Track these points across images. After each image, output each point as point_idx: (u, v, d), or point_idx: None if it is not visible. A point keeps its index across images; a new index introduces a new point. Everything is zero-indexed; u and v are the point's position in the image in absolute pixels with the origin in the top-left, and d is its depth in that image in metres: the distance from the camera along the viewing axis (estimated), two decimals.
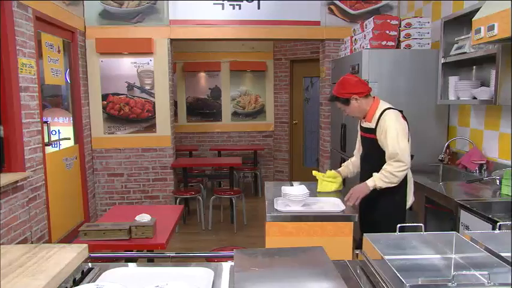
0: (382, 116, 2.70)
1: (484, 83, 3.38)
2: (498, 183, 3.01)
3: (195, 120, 7.81)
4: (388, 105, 2.77)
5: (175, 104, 7.53)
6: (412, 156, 2.82)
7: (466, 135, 3.85)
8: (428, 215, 3.19)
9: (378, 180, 2.67)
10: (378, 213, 2.78)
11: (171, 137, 5.54)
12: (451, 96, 3.63)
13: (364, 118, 2.85)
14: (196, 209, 5.72)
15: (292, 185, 2.91)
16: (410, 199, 2.84)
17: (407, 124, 2.76)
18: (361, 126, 2.93)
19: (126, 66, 5.33)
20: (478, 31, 2.73)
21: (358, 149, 3.09)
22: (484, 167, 3.46)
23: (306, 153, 7.68)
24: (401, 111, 2.77)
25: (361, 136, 2.95)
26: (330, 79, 5.50)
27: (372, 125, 2.77)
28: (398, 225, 1.62)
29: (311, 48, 7.03)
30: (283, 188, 2.67)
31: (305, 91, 7.60)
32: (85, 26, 5.17)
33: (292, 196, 2.56)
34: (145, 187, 5.55)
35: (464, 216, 2.59)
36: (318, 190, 2.93)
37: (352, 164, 3.11)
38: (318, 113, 6.32)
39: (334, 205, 2.64)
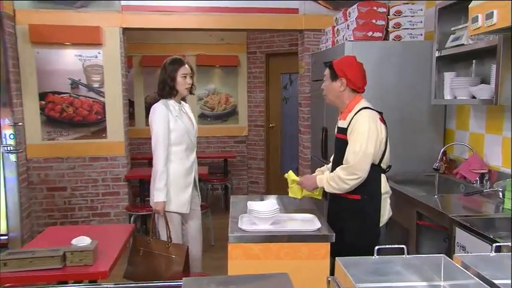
0: (356, 115, 2.75)
1: (485, 80, 3.39)
2: (501, 196, 3.01)
3: None
4: (367, 105, 2.83)
5: (131, 105, 7.42)
6: (389, 167, 2.87)
7: (464, 140, 3.87)
8: (420, 234, 3.18)
9: (326, 184, 2.77)
10: (346, 229, 2.77)
11: (124, 144, 5.44)
12: (447, 95, 3.64)
13: (340, 114, 2.92)
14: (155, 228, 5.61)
15: (262, 200, 2.91)
16: (386, 214, 2.84)
17: (386, 128, 2.80)
18: (337, 127, 2.99)
19: (69, 59, 5.20)
20: (475, 19, 2.72)
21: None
22: (486, 177, 3.47)
23: (285, 161, 7.67)
24: (380, 113, 2.81)
25: (335, 138, 3.00)
26: (309, 75, 5.50)
27: (345, 124, 2.82)
28: (376, 248, 1.58)
29: (289, 40, 7.03)
30: (249, 203, 2.67)
31: (283, 89, 7.60)
32: (14, 9, 4.99)
33: (259, 213, 2.53)
34: (94, 203, 5.42)
35: (461, 236, 2.57)
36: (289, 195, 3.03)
37: (328, 170, 3.11)
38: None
39: (308, 223, 2.63)
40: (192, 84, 3.52)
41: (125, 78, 5.48)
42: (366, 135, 2.66)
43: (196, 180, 3.65)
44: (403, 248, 1.64)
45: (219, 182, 7.11)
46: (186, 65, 3.48)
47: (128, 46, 5.89)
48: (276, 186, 7.39)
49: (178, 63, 3.46)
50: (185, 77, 3.45)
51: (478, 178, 3.49)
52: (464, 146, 3.83)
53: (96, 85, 5.30)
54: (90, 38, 5.14)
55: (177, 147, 3.42)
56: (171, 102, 3.45)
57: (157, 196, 3.36)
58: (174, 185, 3.42)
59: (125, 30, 5.38)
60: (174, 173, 3.42)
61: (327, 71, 2.92)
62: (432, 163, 3.80)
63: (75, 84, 5.26)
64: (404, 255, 1.64)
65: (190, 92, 3.55)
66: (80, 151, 5.34)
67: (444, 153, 3.86)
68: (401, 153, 3.90)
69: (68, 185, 5.35)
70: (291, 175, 3.00)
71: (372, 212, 2.78)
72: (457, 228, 2.60)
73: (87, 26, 5.12)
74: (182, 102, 3.61)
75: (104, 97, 5.32)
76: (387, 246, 1.64)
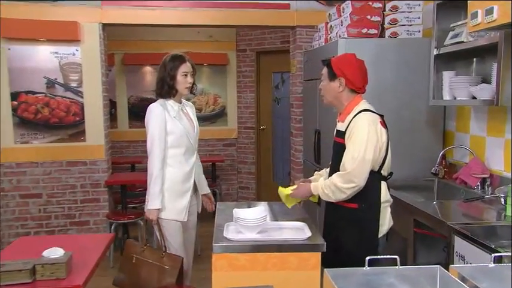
0: (355, 117, 2.71)
1: (486, 80, 3.40)
2: (503, 203, 3.00)
3: (139, 125, 7.64)
4: (368, 107, 2.78)
5: (113, 105, 7.40)
6: (391, 174, 2.84)
7: (465, 143, 3.87)
8: (418, 243, 3.17)
9: (321, 192, 2.72)
10: (343, 239, 2.76)
11: (104, 147, 5.41)
12: (446, 96, 3.65)
13: (339, 116, 2.88)
14: (138, 237, 5.57)
15: (250, 207, 2.91)
16: (386, 223, 2.80)
17: (387, 132, 2.76)
18: (336, 130, 2.95)
19: (44, 57, 5.16)
20: (475, 15, 2.73)
21: None
22: (487, 182, 3.47)
23: (276, 166, 7.67)
24: (381, 116, 2.77)
25: (333, 141, 2.95)
26: (302, 75, 5.50)
27: (343, 128, 2.77)
28: (367, 258, 1.56)
29: (281, 37, 7.02)
30: (235, 210, 2.64)
31: (275, 89, 7.59)
32: None
33: (245, 221, 2.51)
34: (72, 210, 5.38)
35: (460, 245, 2.56)
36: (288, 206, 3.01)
37: (327, 174, 3.08)
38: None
39: (298, 231, 2.61)
40: (194, 84, 3.44)
41: (105, 77, 5.46)
42: (364, 139, 2.61)
43: (197, 186, 3.59)
44: (396, 258, 1.62)
45: None
46: (188, 62, 3.38)
47: (109, 43, 5.86)
48: (268, 192, 7.40)
49: (179, 60, 3.35)
50: (186, 75, 3.35)
51: (479, 183, 3.49)
52: (465, 150, 3.83)
53: (73, 84, 5.26)
54: (67, 34, 5.10)
55: (175, 150, 3.35)
56: (170, 103, 3.36)
57: (150, 203, 3.28)
58: (171, 190, 3.35)
59: (105, 26, 5.35)
60: (172, 178, 3.35)
61: (324, 70, 2.87)
62: (431, 167, 3.80)
63: (50, 84, 5.22)
64: (397, 267, 1.62)
65: (191, 92, 3.47)
66: (56, 155, 5.30)
67: (443, 156, 3.86)
68: (398, 156, 3.87)
69: (43, 192, 5.31)
70: (283, 190, 2.96)
71: (370, 221, 2.74)
72: (455, 236, 2.60)
73: (64, 21, 5.07)
74: (184, 101, 3.54)
75: (82, 97, 5.29)
76: (378, 256, 1.61)
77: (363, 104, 2.79)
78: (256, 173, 7.75)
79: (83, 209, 5.41)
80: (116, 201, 5.86)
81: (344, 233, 2.77)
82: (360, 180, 2.61)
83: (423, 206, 3.16)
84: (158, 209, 3.29)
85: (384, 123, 2.75)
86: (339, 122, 2.87)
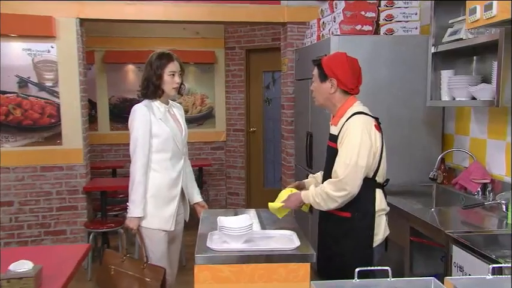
0: (348, 120, 2.69)
1: (486, 79, 3.41)
2: (504, 209, 3.00)
3: (121, 127, 7.65)
4: (362, 109, 2.76)
5: (93, 106, 7.39)
6: (387, 181, 2.83)
7: (465, 145, 3.88)
8: (415, 252, 3.16)
9: (312, 200, 2.70)
10: (337, 248, 2.75)
11: (83, 151, 5.38)
12: (444, 96, 3.65)
13: (332, 119, 2.87)
14: (119, 247, 5.53)
15: (236, 214, 2.89)
16: (380, 233, 2.78)
17: (382, 136, 2.74)
18: (329, 133, 2.92)
19: (16, 54, 5.11)
20: (473, 11, 2.73)
21: None
22: (489, 188, 3.47)
23: (268, 170, 7.68)
24: (376, 119, 2.76)
25: (327, 146, 2.93)
26: (293, 74, 5.50)
27: (336, 131, 2.75)
28: (357, 270, 1.55)
29: (272, 34, 7.04)
30: (219, 219, 2.61)
31: (265, 89, 7.60)
32: None
33: (229, 229, 2.49)
34: (47, 219, 5.33)
35: (458, 254, 2.56)
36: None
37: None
38: None
39: (287, 240, 2.59)
40: (181, 84, 3.40)
41: (83, 76, 5.42)
42: (357, 144, 2.59)
43: (185, 192, 3.56)
44: (387, 269, 1.60)
45: None
46: (175, 61, 3.34)
47: (88, 40, 5.83)
48: (258, 198, 7.42)
49: (166, 58, 3.30)
50: (173, 75, 3.30)
51: (479, 189, 3.49)
52: (464, 153, 3.83)
53: (49, 84, 5.23)
54: (40, 30, 5.06)
55: (161, 155, 3.31)
56: (156, 104, 3.32)
57: (131, 210, 3.24)
58: (156, 197, 3.31)
59: (83, 21, 5.32)
60: (157, 184, 3.31)
61: (315, 71, 2.86)
62: (428, 172, 3.80)
63: (23, 83, 5.19)
64: (389, 278, 1.61)
65: (179, 92, 3.43)
66: (30, 160, 5.25)
67: (442, 160, 3.86)
68: (394, 160, 3.87)
69: (15, 199, 5.25)
70: (273, 205, 2.92)
71: (364, 231, 2.72)
72: (453, 246, 2.59)
73: (37, 16, 5.03)
74: (171, 102, 3.50)
75: (58, 98, 5.26)
76: (368, 268, 1.60)
77: (357, 106, 2.77)
78: (246, 178, 7.75)
79: (59, 217, 5.36)
80: (96, 208, 5.84)
81: (337, 242, 2.76)
82: (353, 187, 2.59)
83: (420, 213, 3.16)
84: (139, 218, 3.26)
85: (378, 127, 2.73)
86: (332, 125, 2.85)
